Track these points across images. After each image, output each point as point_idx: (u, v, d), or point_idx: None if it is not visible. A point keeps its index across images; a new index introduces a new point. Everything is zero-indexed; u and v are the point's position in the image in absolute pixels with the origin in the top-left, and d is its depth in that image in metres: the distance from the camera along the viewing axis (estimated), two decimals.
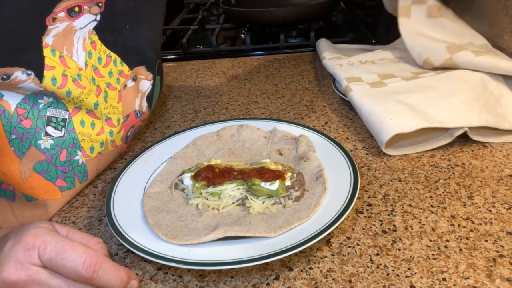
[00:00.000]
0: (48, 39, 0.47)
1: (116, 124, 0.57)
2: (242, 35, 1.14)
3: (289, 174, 0.52)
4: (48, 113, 0.50)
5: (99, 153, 0.57)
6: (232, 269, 0.43)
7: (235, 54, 1.07)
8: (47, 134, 0.51)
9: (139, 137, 0.71)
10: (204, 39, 1.20)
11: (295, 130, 0.61)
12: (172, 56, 1.10)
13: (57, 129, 0.51)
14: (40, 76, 0.47)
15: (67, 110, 0.52)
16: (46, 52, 0.48)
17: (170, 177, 0.55)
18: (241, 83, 0.89)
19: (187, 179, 0.52)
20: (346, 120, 0.70)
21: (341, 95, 0.74)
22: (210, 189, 0.50)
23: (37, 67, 0.47)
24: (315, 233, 0.42)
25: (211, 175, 0.50)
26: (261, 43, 1.12)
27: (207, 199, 0.50)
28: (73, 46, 0.50)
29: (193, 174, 0.52)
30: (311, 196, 0.49)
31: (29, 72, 0.46)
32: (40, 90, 0.48)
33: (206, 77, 0.94)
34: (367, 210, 0.50)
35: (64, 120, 0.52)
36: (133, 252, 0.46)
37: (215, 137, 0.62)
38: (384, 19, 1.03)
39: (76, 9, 0.49)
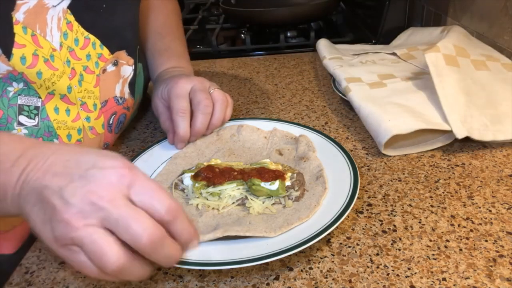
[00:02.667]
0: (18, 16, 0.46)
1: (92, 109, 0.55)
2: (242, 35, 1.14)
3: (289, 174, 0.52)
4: (19, 102, 0.49)
5: (78, 141, 0.55)
6: (232, 269, 0.43)
7: (235, 54, 1.07)
8: (20, 123, 0.49)
9: (139, 137, 0.71)
10: (204, 39, 1.20)
11: (295, 130, 0.61)
12: None
13: (30, 118, 0.49)
14: (8, 53, 0.46)
15: (39, 97, 0.50)
16: (17, 29, 0.46)
17: (170, 177, 0.55)
18: (241, 83, 0.89)
19: (187, 179, 0.52)
20: (346, 120, 0.70)
21: (341, 95, 0.74)
22: (210, 189, 0.50)
23: (4, 43, 0.45)
24: (315, 233, 0.42)
25: (211, 175, 0.50)
26: (261, 43, 1.12)
27: (207, 199, 0.50)
28: (47, 25, 0.49)
29: (193, 174, 0.52)
30: (311, 196, 0.49)
31: None
32: (8, 71, 0.47)
33: (206, 77, 0.94)
34: (367, 210, 0.50)
35: (37, 108, 0.50)
36: None
37: (215, 137, 0.62)
38: (384, 19, 1.04)
39: None
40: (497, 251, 0.43)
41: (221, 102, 0.59)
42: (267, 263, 0.44)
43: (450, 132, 0.58)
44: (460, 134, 0.57)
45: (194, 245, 0.39)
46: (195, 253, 0.42)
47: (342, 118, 0.71)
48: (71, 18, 0.51)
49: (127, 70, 0.61)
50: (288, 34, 1.16)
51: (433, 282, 0.40)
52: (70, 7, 0.51)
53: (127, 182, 0.35)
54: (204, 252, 0.42)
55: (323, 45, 0.91)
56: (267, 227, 0.44)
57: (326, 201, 0.47)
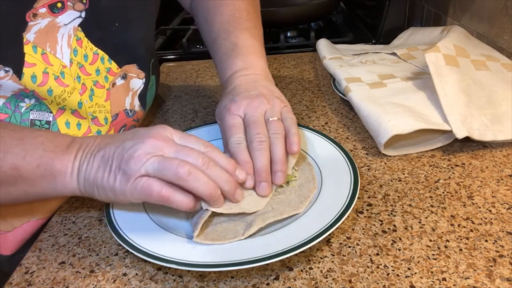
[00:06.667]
0: (29, 36, 0.46)
1: (103, 123, 0.56)
2: None
3: None
4: (31, 116, 0.50)
5: None
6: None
7: None
8: None
9: None
10: None
11: None
12: (172, 56, 1.10)
13: None
14: (18, 73, 0.46)
15: (50, 112, 0.51)
16: (27, 49, 0.47)
17: None
18: None
19: None
20: (346, 120, 0.70)
21: (341, 95, 0.74)
22: None
23: (15, 63, 0.46)
24: (316, 233, 0.42)
25: None
26: None
27: None
28: (57, 43, 0.49)
29: None
30: (302, 172, 0.52)
31: (7, 68, 0.45)
32: (20, 89, 0.48)
33: (206, 77, 0.94)
34: (367, 210, 0.50)
35: (48, 122, 0.51)
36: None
37: None
38: (384, 19, 1.04)
39: (59, 5, 0.48)
40: (497, 251, 0.43)
41: (275, 136, 0.48)
42: (267, 263, 0.44)
43: (450, 132, 0.58)
44: (460, 134, 0.57)
45: (242, 174, 0.45)
46: (194, 255, 0.42)
47: (342, 118, 0.71)
48: (81, 34, 0.52)
49: (137, 83, 0.60)
50: (288, 34, 1.16)
51: (433, 282, 0.40)
52: (81, 25, 0.51)
53: (169, 131, 0.44)
54: (203, 254, 0.42)
55: (323, 45, 0.91)
56: (290, 207, 0.47)
57: (326, 202, 0.47)
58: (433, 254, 0.43)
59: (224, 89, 0.58)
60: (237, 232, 0.44)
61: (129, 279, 0.43)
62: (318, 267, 0.43)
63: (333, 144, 0.57)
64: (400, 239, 0.45)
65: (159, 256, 0.42)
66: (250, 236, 0.44)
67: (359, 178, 0.50)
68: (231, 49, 0.60)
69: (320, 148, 0.57)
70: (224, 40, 0.61)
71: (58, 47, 0.49)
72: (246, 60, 0.59)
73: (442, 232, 0.46)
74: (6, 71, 0.46)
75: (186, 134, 0.45)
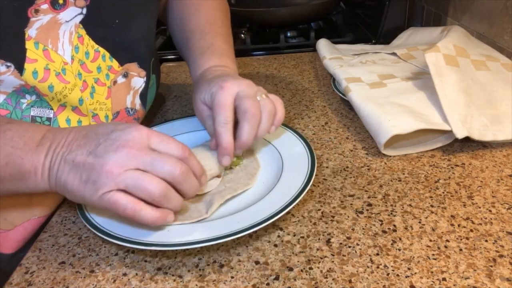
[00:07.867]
0: (31, 32, 0.47)
1: (104, 120, 0.56)
2: (242, 35, 1.14)
3: None
4: (32, 113, 0.50)
5: None
6: (232, 269, 0.43)
7: (235, 54, 1.07)
8: None
9: None
10: None
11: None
12: (172, 56, 1.10)
13: None
14: (20, 68, 0.47)
15: (51, 109, 0.51)
16: (29, 44, 0.47)
17: None
18: None
19: None
20: (346, 120, 0.70)
21: (341, 95, 0.74)
22: None
23: (17, 59, 0.46)
24: (283, 206, 0.46)
25: None
26: (261, 43, 1.12)
27: None
28: (59, 40, 0.49)
29: None
30: (245, 154, 0.56)
31: (8, 64, 0.46)
32: (21, 85, 0.48)
33: None
34: (367, 210, 0.50)
35: (49, 119, 0.51)
36: (133, 252, 0.46)
37: None
38: (384, 19, 1.04)
39: (60, 1, 0.48)
40: (497, 251, 0.43)
41: (268, 112, 0.51)
42: (267, 263, 0.44)
43: (450, 132, 0.58)
44: (460, 134, 0.57)
45: (204, 179, 0.47)
46: (170, 236, 0.44)
47: (342, 118, 0.71)
48: (82, 32, 0.52)
49: (138, 82, 0.60)
50: (288, 34, 1.16)
51: (433, 282, 0.40)
52: (82, 21, 0.51)
53: (145, 136, 0.42)
54: (178, 234, 0.44)
55: (323, 45, 0.91)
56: (241, 183, 0.52)
57: (287, 182, 0.50)
58: (433, 254, 0.43)
59: (202, 78, 0.59)
60: (200, 211, 0.47)
61: (129, 279, 0.43)
62: (318, 267, 0.43)
63: (286, 128, 0.60)
64: (400, 239, 0.46)
65: (140, 241, 0.43)
66: (218, 217, 0.47)
67: (315, 159, 0.53)
68: (207, 48, 0.63)
69: (279, 134, 0.60)
70: (199, 40, 0.64)
71: (60, 43, 0.50)
72: (222, 59, 0.62)
73: (442, 232, 0.46)
74: (8, 66, 0.46)
75: (165, 137, 0.43)
